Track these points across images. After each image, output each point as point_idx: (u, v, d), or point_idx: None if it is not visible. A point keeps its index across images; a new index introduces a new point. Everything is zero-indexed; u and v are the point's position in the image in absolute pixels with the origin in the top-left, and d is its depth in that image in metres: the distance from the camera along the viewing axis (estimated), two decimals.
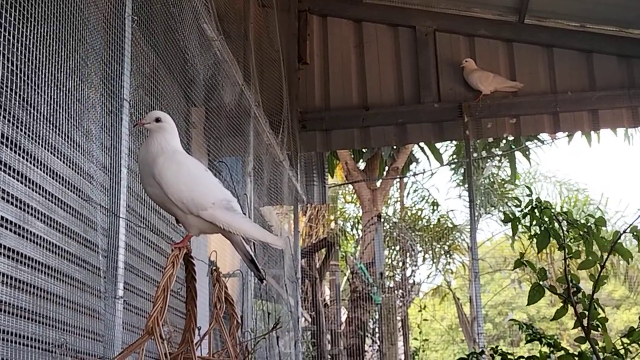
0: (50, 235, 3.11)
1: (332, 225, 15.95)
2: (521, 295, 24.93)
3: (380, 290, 10.81)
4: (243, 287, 5.59)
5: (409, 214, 15.85)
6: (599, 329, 2.88)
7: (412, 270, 13.21)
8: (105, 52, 3.47)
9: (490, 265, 20.57)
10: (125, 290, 3.43)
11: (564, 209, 2.99)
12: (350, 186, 15.31)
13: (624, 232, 2.79)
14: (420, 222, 15.49)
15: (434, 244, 14.94)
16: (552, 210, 2.99)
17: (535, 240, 3.02)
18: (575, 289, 2.90)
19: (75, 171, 3.31)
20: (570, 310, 3.23)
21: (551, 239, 2.98)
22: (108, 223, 3.38)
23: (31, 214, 2.99)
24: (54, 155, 3.16)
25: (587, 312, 2.83)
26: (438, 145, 14.47)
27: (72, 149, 3.29)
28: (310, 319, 10.52)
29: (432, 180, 44.48)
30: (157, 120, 2.78)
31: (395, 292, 12.23)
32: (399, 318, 12.03)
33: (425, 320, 13.21)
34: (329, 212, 15.62)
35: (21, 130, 2.88)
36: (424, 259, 14.77)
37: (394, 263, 13.73)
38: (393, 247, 13.76)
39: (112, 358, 2.63)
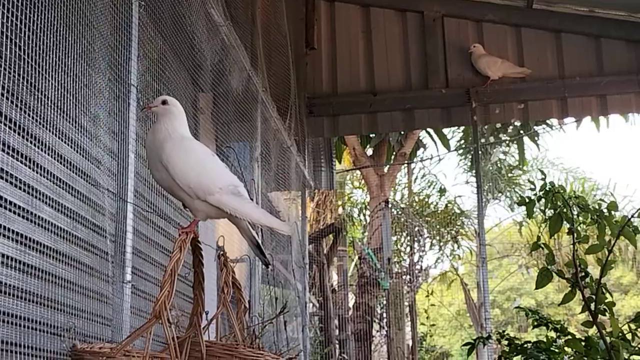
0: (59, 219, 3.12)
1: (340, 210, 15.97)
2: (529, 280, 24.95)
3: (387, 275, 10.83)
4: (250, 273, 5.61)
5: (417, 199, 15.86)
6: (607, 314, 2.88)
7: (420, 256, 13.22)
8: (113, 37, 3.47)
9: (498, 251, 20.59)
10: (133, 275, 3.45)
11: (602, 204, 2.98)
12: (358, 172, 15.32)
13: (633, 216, 2.79)
14: (427, 208, 15.50)
15: (441, 229, 14.95)
16: (565, 195, 2.99)
17: (548, 224, 3.02)
18: (583, 274, 2.90)
19: (83, 156, 3.31)
20: (578, 295, 3.24)
21: (564, 223, 2.98)
22: (116, 208, 3.39)
23: (39, 199, 3.00)
24: (62, 140, 3.17)
25: (594, 297, 2.84)
26: (445, 131, 14.46)
27: (80, 133, 3.29)
28: (318, 305, 10.54)
29: (440, 166, 44.41)
30: (164, 102, 2.79)
31: (403, 277, 12.25)
32: (406, 303, 12.05)
33: (433, 305, 13.22)
34: (336, 198, 15.64)
35: (29, 115, 2.89)
36: (432, 245, 14.78)
37: (402, 249, 13.75)
38: (401, 233, 13.78)
39: (120, 342, 2.64)
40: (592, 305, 2.85)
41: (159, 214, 4.16)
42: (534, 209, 3.35)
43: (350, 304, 12.07)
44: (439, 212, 15.34)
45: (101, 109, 3.37)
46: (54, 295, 3.02)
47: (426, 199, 15.87)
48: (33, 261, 2.88)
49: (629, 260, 17.49)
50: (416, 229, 13.50)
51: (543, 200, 3.21)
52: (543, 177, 3.36)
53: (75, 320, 3.13)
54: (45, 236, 3.01)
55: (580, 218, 3.11)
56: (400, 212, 13.95)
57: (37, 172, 2.98)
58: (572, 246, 2.97)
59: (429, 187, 16.08)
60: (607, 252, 2.78)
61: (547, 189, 3.16)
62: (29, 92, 2.87)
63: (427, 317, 12.54)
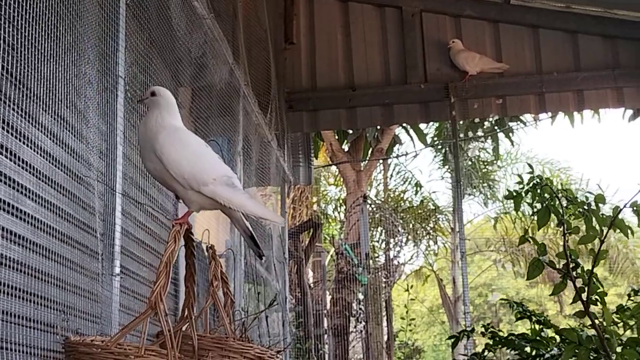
0: (42, 213, 3.08)
1: (315, 207, 15.99)
2: (501, 276, 25.14)
3: (365, 270, 10.86)
4: (235, 266, 5.59)
5: (392, 195, 15.91)
6: (599, 303, 2.91)
7: (397, 251, 13.26)
8: (100, 28, 3.43)
9: (471, 247, 20.70)
10: (120, 272, 3.42)
11: (589, 197, 3.01)
12: (334, 168, 15.35)
13: (624, 206, 2.81)
14: (403, 203, 15.55)
15: (417, 225, 15.01)
16: (552, 187, 3.01)
17: (536, 217, 3.04)
18: (574, 264, 2.93)
19: (72, 143, 3.28)
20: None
21: (551, 215, 3.00)
22: (104, 200, 3.36)
23: (23, 193, 2.96)
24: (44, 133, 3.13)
25: (586, 287, 2.86)
26: (422, 127, 14.53)
27: (69, 120, 3.26)
28: (295, 300, 10.54)
29: (415, 162, 44.61)
30: (152, 94, 2.78)
31: (380, 273, 12.28)
32: (383, 298, 12.09)
33: (413, 299, 13.27)
34: (312, 194, 15.65)
35: (11, 107, 2.85)
36: (407, 241, 14.84)
37: (378, 244, 13.79)
38: (376, 229, 13.81)
39: (114, 334, 2.62)
40: (584, 296, 2.87)
41: (150, 207, 4.14)
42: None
43: (328, 300, 12.07)
44: (414, 207, 15.40)
45: (89, 101, 3.33)
46: (43, 292, 2.99)
47: (402, 195, 15.92)
48: (20, 257, 2.84)
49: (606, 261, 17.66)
50: (392, 224, 13.52)
51: (530, 193, 3.23)
52: (530, 170, 3.38)
53: (65, 314, 3.10)
54: (29, 230, 2.97)
55: (570, 210, 3.13)
56: (376, 208, 13.97)
57: (20, 166, 2.93)
58: (556, 239, 2.99)
59: (405, 183, 16.13)
60: (599, 242, 2.81)
61: (535, 182, 3.18)
62: (13, 85, 2.83)
63: (407, 312, 12.57)
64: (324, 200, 17.21)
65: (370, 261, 11.32)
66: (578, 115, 13.53)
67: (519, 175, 3.23)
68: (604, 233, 2.81)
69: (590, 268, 2.85)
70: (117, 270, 3.34)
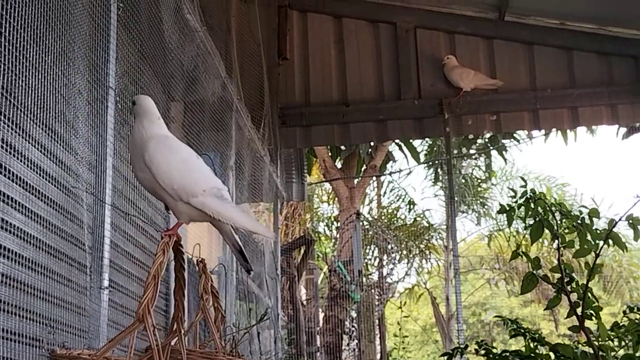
0: (30, 226, 3.03)
1: (308, 224, 15.94)
2: (497, 294, 25.05)
3: (358, 288, 10.80)
4: (227, 281, 5.54)
5: (386, 212, 15.87)
6: (594, 318, 2.87)
7: (390, 269, 13.21)
8: (91, 39, 3.40)
9: (465, 265, 20.64)
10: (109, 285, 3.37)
11: (583, 211, 2.97)
12: (327, 185, 15.32)
13: (620, 219, 2.78)
14: (396, 221, 15.51)
15: (410, 243, 14.97)
16: (546, 202, 2.98)
17: (529, 231, 3.01)
18: (569, 279, 2.89)
19: (61, 154, 3.23)
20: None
21: (544, 230, 2.96)
22: (93, 213, 3.32)
23: (11, 206, 2.91)
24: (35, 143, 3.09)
25: (581, 301, 2.82)
26: (415, 144, 14.51)
27: (58, 131, 3.21)
28: (287, 317, 10.47)
29: (409, 180, 44.55)
30: (133, 103, 2.75)
31: (373, 290, 12.22)
32: (376, 316, 12.02)
33: (406, 317, 13.21)
34: (305, 211, 15.60)
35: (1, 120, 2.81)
36: (400, 258, 14.79)
37: (371, 262, 13.74)
38: (369, 246, 13.77)
39: (101, 347, 2.56)
40: (579, 310, 2.83)
41: (140, 220, 4.09)
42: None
43: (321, 317, 12.00)
44: (407, 225, 15.36)
45: (78, 112, 3.29)
46: (29, 305, 2.93)
47: (395, 212, 15.88)
48: (5, 270, 2.79)
49: (597, 277, 17.60)
50: (384, 241, 13.48)
51: (523, 208, 3.20)
52: (524, 184, 3.34)
53: (52, 328, 3.05)
54: (16, 243, 2.92)
55: (564, 224, 3.09)
56: (368, 226, 13.93)
57: (9, 178, 2.89)
58: (549, 257, 2.96)
59: (398, 200, 16.09)
60: (594, 255, 2.77)
61: (528, 196, 3.14)
62: (1, 96, 2.78)
63: (400, 329, 12.50)
64: (317, 217, 17.16)
65: (363, 278, 11.26)
66: (571, 133, 13.57)
67: (512, 190, 3.19)
68: (599, 246, 2.77)
69: (585, 282, 2.81)
70: (106, 283, 3.29)
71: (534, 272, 2.92)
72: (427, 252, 15.52)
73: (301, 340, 10.10)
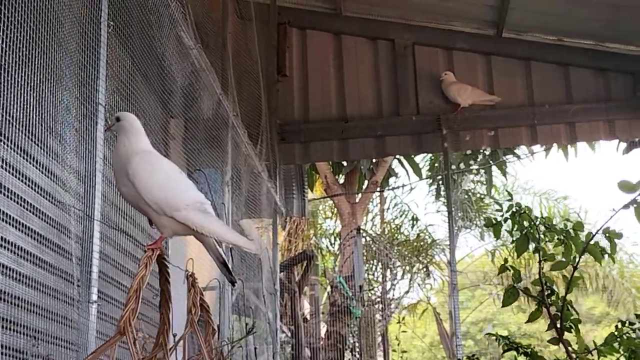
0: (23, 240, 3.08)
1: (313, 239, 15.95)
2: (502, 311, 24.95)
3: (359, 303, 10.80)
4: (221, 296, 5.56)
5: (389, 228, 15.87)
6: (572, 330, 2.89)
7: (392, 284, 13.20)
8: (81, 57, 3.46)
9: (471, 280, 20.60)
10: (99, 297, 3.41)
11: (568, 224, 2.99)
12: (331, 201, 15.33)
13: (597, 232, 2.80)
14: (399, 236, 15.50)
15: (413, 259, 14.95)
16: (531, 215, 3.01)
17: (515, 245, 3.04)
18: (549, 291, 2.91)
19: (48, 176, 3.28)
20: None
21: (531, 243, 2.99)
22: (82, 227, 3.36)
23: (4, 220, 2.96)
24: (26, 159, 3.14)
25: (560, 314, 2.85)
26: (417, 160, 14.54)
27: (46, 153, 3.26)
28: (289, 333, 10.47)
29: (412, 195, 44.48)
30: (117, 119, 2.79)
31: (375, 306, 12.21)
32: (378, 332, 12.01)
33: (404, 332, 13.17)
34: (308, 227, 15.62)
35: None
36: (403, 274, 14.77)
37: (374, 277, 13.72)
38: (372, 262, 13.76)
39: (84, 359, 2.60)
40: (558, 323, 2.85)
41: (127, 234, 4.13)
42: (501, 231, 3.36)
43: (323, 333, 11.99)
44: (410, 240, 15.36)
45: (68, 127, 3.34)
46: (18, 319, 2.97)
47: (398, 228, 15.88)
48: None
49: (599, 290, 17.54)
50: (387, 257, 13.48)
51: (510, 221, 3.23)
52: (510, 198, 3.37)
53: (36, 340, 3.08)
54: (6, 257, 2.96)
55: (547, 238, 3.12)
56: (371, 241, 13.94)
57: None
58: (538, 263, 2.99)
59: (401, 215, 16.10)
60: (572, 269, 2.80)
61: (514, 210, 3.17)
62: None
63: (398, 344, 12.46)
64: (320, 233, 17.16)
65: (364, 294, 11.26)
66: (572, 148, 13.58)
67: (498, 203, 3.23)
68: (577, 260, 2.80)
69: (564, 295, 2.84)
70: (95, 297, 3.32)
71: (515, 285, 2.95)
72: (430, 268, 15.50)
73: (302, 356, 10.10)
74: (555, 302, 2.88)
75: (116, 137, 2.81)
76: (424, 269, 15.14)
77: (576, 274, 3.05)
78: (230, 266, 3.06)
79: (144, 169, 2.69)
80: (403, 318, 13.21)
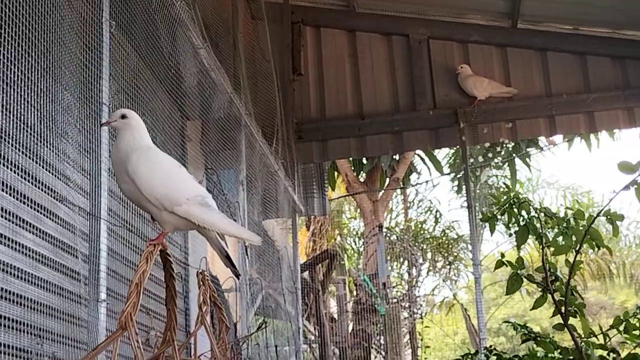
0: (33, 242, 3.11)
1: (338, 239, 15.93)
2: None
3: (383, 301, 10.78)
4: (241, 295, 5.57)
5: (413, 225, 15.82)
6: (577, 315, 2.87)
7: (416, 281, 13.16)
8: (84, 57, 3.48)
9: (502, 276, 20.45)
10: (109, 296, 3.43)
11: (568, 212, 2.94)
12: (353, 199, 15.32)
13: (598, 215, 2.77)
14: (423, 233, 15.45)
15: (438, 255, 14.90)
16: (531, 205, 2.98)
17: (515, 237, 3.02)
18: (553, 278, 2.89)
19: (54, 175, 3.31)
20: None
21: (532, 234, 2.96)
22: (89, 227, 3.38)
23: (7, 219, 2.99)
24: (32, 159, 3.17)
25: (564, 299, 2.82)
26: (439, 156, 14.48)
27: (52, 152, 3.29)
28: (316, 332, 10.47)
29: (435, 192, 44.39)
30: (123, 117, 2.79)
31: (401, 303, 12.17)
32: (405, 330, 11.98)
33: (427, 327, 13.11)
34: (332, 227, 15.61)
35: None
36: (429, 271, 14.72)
37: (399, 274, 13.70)
38: (396, 259, 13.73)
39: (84, 355, 2.61)
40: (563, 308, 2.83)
41: (134, 232, 4.15)
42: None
43: (349, 331, 11.98)
44: (435, 237, 15.30)
45: (73, 127, 3.37)
46: (27, 319, 3.00)
47: (422, 225, 15.82)
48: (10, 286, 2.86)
49: (627, 279, 17.31)
50: (410, 254, 13.44)
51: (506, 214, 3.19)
52: (507, 190, 3.33)
53: (49, 342, 3.11)
54: (22, 260, 2.99)
55: (549, 225, 3.08)
56: (395, 239, 13.91)
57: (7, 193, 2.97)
58: (541, 250, 2.96)
59: (426, 212, 16.04)
60: (574, 253, 2.77)
61: (510, 202, 3.13)
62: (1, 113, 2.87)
63: (422, 339, 12.42)
64: (346, 231, 17.14)
65: (388, 291, 11.22)
66: (595, 139, 13.46)
67: (493, 196, 3.21)
68: (579, 244, 2.77)
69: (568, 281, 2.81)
70: (103, 296, 3.34)
71: (518, 272, 2.93)
72: (455, 263, 15.42)
73: (327, 355, 10.09)
74: (559, 288, 2.85)
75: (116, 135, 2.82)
76: (449, 266, 15.08)
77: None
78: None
79: (143, 164, 2.69)
80: (425, 314, 13.15)
